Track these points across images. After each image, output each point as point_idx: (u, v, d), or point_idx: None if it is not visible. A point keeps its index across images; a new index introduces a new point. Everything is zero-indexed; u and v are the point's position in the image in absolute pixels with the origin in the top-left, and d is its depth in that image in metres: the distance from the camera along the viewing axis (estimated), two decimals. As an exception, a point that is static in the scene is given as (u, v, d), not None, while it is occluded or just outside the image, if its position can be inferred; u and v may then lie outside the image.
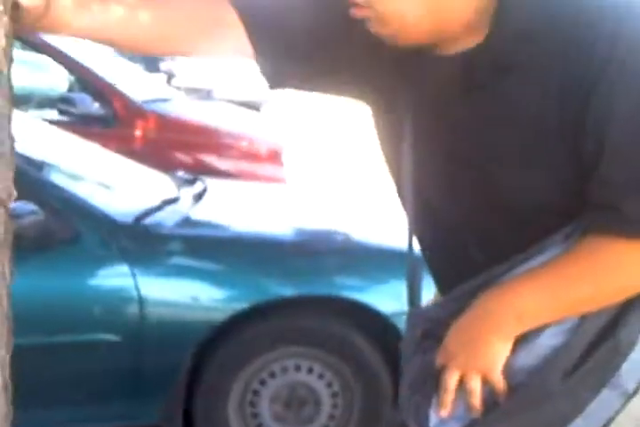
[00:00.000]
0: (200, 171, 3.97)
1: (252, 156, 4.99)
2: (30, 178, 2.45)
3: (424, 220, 1.14)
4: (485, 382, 1.01)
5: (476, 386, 1.00)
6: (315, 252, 2.61)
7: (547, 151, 0.97)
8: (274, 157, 4.93)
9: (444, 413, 1.02)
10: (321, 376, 2.51)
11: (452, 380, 1.01)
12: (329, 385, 2.52)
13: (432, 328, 1.10)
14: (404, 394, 1.14)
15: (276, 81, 1.15)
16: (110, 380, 2.37)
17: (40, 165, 2.64)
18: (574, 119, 0.95)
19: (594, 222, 0.97)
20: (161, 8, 1.09)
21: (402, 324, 2.48)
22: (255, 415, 2.49)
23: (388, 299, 2.55)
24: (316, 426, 2.51)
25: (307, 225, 2.86)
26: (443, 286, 1.16)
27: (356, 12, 1.02)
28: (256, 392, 2.48)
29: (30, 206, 2.32)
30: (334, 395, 2.52)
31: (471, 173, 1.04)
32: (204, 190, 3.05)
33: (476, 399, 1.01)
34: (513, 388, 1.00)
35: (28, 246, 2.28)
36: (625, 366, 1.00)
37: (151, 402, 2.38)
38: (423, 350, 1.11)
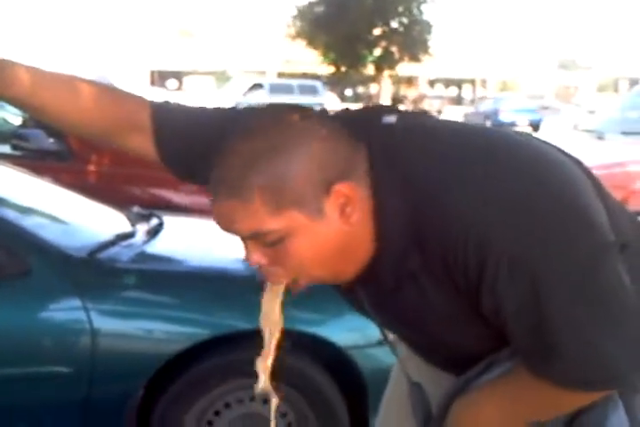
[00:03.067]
0: (156, 205, 3.98)
1: (204, 191, 5.00)
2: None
3: (386, 325, 1.24)
4: None
5: None
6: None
7: (466, 323, 1.08)
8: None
9: None
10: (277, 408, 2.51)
11: None
12: (283, 416, 2.53)
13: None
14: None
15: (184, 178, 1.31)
16: (62, 411, 2.35)
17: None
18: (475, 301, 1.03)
19: (525, 361, 1.05)
20: (90, 101, 1.24)
21: (357, 356, 2.54)
22: (210, 447, 2.49)
23: (344, 332, 2.58)
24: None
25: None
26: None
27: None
28: (210, 423, 2.48)
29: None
30: (289, 425, 2.53)
31: (410, 328, 1.17)
32: (160, 225, 3.07)
33: None
34: None
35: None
36: None
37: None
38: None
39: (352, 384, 2.57)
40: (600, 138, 7.00)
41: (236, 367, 2.48)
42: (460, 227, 0.98)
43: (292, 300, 2.62)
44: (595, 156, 5.39)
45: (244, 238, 1.05)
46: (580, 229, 0.98)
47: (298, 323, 2.57)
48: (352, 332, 2.60)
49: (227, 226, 1.03)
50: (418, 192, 1.01)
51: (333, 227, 1.02)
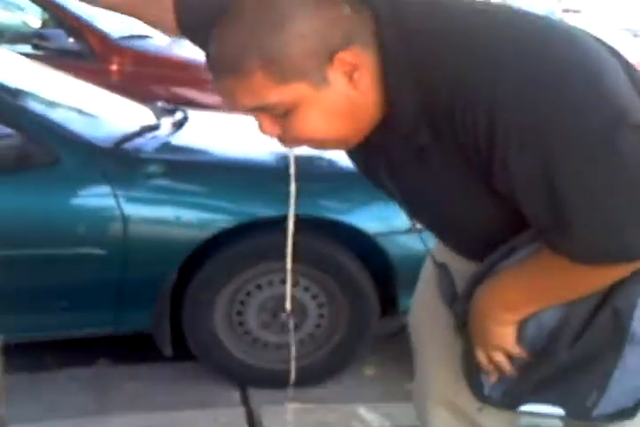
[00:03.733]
0: (179, 104, 3.97)
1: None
2: (5, 104, 2.47)
3: (408, 206, 1.23)
4: (508, 356, 1.15)
5: (500, 359, 1.15)
6: (298, 175, 2.64)
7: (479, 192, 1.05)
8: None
9: (493, 379, 1.18)
10: (307, 289, 2.59)
11: (481, 358, 1.17)
12: (314, 297, 2.60)
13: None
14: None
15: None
16: (98, 290, 2.45)
17: (16, 93, 2.64)
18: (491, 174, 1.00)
19: (544, 239, 1.04)
20: None
21: (386, 243, 2.58)
22: (242, 324, 2.58)
23: (373, 220, 2.61)
24: (302, 334, 2.61)
25: (290, 151, 2.87)
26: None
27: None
28: (243, 303, 2.57)
29: (6, 130, 2.34)
30: (320, 306, 2.61)
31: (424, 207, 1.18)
32: (185, 119, 3.07)
33: (507, 368, 1.16)
34: (534, 354, 1.13)
35: (5, 168, 2.32)
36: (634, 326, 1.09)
37: (138, 311, 2.48)
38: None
39: (381, 270, 2.63)
40: (636, 36, 6.75)
41: (265, 252, 2.54)
42: (468, 91, 0.95)
43: (323, 190, 2.67)
44: (632, 53, 5.22)
45: (253, 111, 1.04)
46: (596, 99, 0.94)
47: (328, 211, 2.61)
48: (381, 220, 2.62)
49: (232, 102, 1.02)
50: (427, 54, 0.98)
51: (340, 93, 1.00)
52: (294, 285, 2.57)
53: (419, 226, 1.26)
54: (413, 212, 1.22)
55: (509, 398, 1.18)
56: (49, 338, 2.54)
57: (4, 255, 2.32)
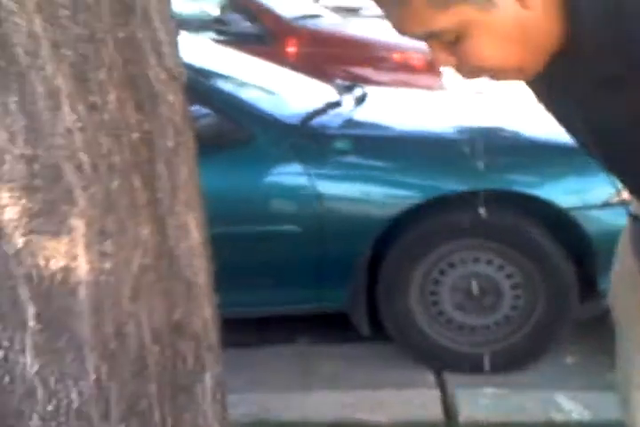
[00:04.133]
0: (356, 82, 3.95)
1: (407, 67, 4.90)
2: (202, 86, 2.54)
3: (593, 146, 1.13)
4: None
5: None
6: (484, 149, 2.55)
7: None
8: (430, 67, 4.81)
9: None
10: (500, 268, 2.48)
11: None
12: (509, 277, 2.49)
13: None
14: None
15: None
16: (297, 267, 2.48)
17: (209, 75, 2.72)
18: None
19: None
20: None
21: (581, 218, 2.44)
22: (436, 303, 2.51)
23: (566, 194, 2.48)
24: (499, 316, 2.50)
25: (473, 124, 2.78)
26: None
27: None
28: (436, 282, 2.50)
29: (204, 110, 2.41)
30: (515, 286, 2.49)
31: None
32: (365, 95, 3.05)
33: None
34: None
35: (205, 146, 2.37)
36: None
37: (335, 288, 2.47)
38: None
39: (578, 248, 2.48)
40: None
41: (456, 228, 2.46)
42: None
43: (511, 163, 2.57)
44: None
45: (425, 40, 0.99)
46: None
47: (518, 185, 2.50)
48: (575, 194, 2.50)
49: (402, 31, 0.98)
50: None
51: (509, 14, 0.93)
52: (487, 263, 2.49)
53: (622, 196, 1.15)
54: (608, 162, 1.11)
55: None
56: (252, 315, 2.60)
57: (209, 234, 2.38)
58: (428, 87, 4.56)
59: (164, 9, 1.29)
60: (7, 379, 1.19)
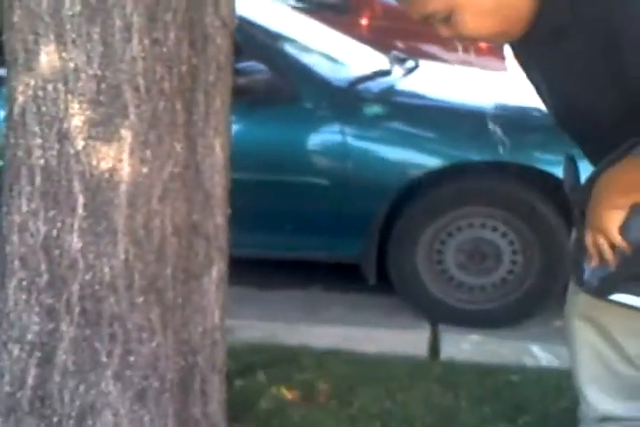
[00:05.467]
0: (421, 58, 4.16)
1: (473, 48, 5.07)
2: (264, 44, 2.83)
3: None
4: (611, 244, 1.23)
5: (602, 243, 1.23)
6: (513, 125, 2.75)
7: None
8: (494, 49, 4.98)
9: (594, 263, 1.26)
10: (504, 235, 2.73)
11: (588, 240, 1.26)
12: (511, 243, 2.73)
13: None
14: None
15: None
16: (316, 217, 2.77)
17: (275, 36, 2.99)
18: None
19: None
20: None
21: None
22: (440, 262, 2.78)
23: (583, 177, 2.66)
24: (495, 278, 2.76)
25: (511, 102, 2.98)
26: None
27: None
28: (443, 242, 2.76)
29: (260, 66, 2.70)
30: (514, 252, 2.73)
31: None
32: (415, 67, 3.29)
33: (608, 255, 1.23)
34: (635, 249, 1.22)
35: (256, 99, 2.67)
36: None
37: (351, 238, 2.75)
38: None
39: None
40: None
41: (470, 195, 2.70)
42: None
43: (536, 141, 2.74)
44: None
45: (426, 20, 1.25)
46: None
47: (539, 162, 2.70)
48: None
49: (409, 14, 1.26)
50: None
51: None
52: (493, 229, 2.73)
53: None
54: (567, 128, 1.36)
55: (604, 284, 1.25)
56: (270, 257, 2.88)
57: (243, 179, 2.68)
58: (491, 68, 4.74)
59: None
60: (57, 252, 1.49)
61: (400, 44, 4.88)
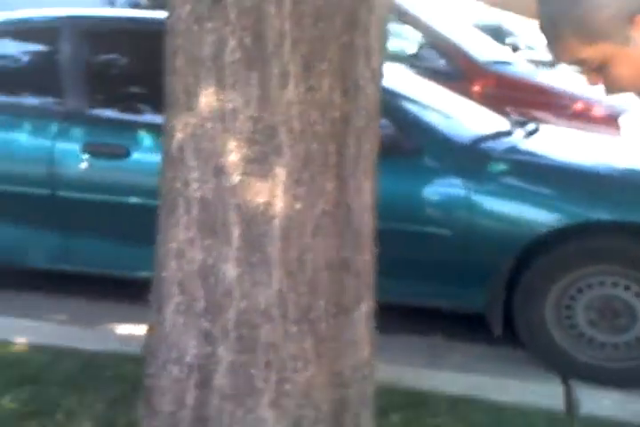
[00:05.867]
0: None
1: (587, 117, 5.07)
2: (389, 103, 2.93)
3: None
4: None
5: None
6: (633, 186, 2.74)
7: None
8: (609, 120, 4.96)
9: None
10: (638, 295, 2.67)
11: None
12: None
13: None
14: None
15: None
16: (442, 265, 2.80)
17: (397, 95, 3.10)
18: None
19: None
20: None
21: None
22: (569, 317, 2.72)
23: None
24: (630, 336, 2.68)
25: (629, 166, 2.97)
26: None
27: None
28: (573, 298, 2.72)
29: (385, 122, 2.80)
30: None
31: None
32: (536, 129, 3.32)
33: None
34: None
35: (383, 153, 2.75)
36: None
37: (475, 290, 2.76)
38: None
39: None
40: None
41: (600, 254, 2.67)
42: None
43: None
44: None
45: (576, 65, 1.27)
46: None
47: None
48: None
49: (558, 58, 1.27)
50: None
51: None
52: (625, 288, 2.67)
53: None
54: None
55: None
56: (393, 302, 2.87)
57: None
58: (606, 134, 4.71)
59: (379, 27, 1.66)
60: (213, 279, 1.57)
61: (514, 111, 4.92)
